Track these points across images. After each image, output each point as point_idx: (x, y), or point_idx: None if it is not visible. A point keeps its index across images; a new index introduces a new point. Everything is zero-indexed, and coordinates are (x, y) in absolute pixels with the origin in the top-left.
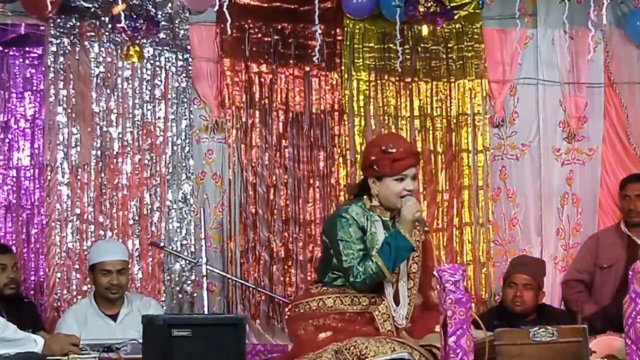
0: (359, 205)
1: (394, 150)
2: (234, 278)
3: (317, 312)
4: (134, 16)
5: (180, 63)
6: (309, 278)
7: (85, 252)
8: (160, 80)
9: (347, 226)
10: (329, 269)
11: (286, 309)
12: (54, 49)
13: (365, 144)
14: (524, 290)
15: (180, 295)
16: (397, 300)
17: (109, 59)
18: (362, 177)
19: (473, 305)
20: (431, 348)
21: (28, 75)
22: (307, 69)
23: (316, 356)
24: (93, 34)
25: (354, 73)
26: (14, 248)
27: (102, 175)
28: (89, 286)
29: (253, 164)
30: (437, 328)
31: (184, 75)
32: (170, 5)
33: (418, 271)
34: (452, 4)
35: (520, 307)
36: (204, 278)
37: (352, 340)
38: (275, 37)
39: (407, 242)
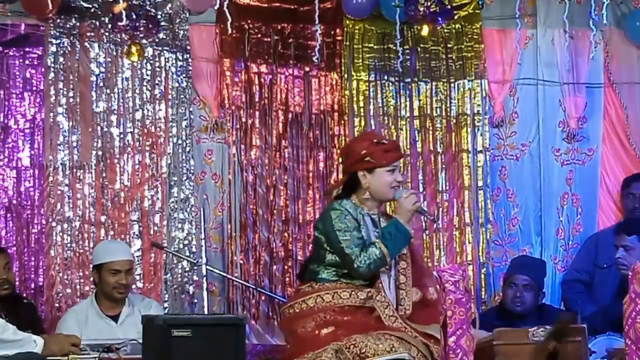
0: (349, 201)
1: (385, 142)
2: (234, 278)
3: (315, 308)
4: (134, 16)
5: (180, 63)
6: None
7: (86, 253)
8: (160, 80)
9: (342, 217)
10: (322, 265)
11: (282, 311)
12: (53, 49)
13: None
14: (524, 291)
15: (180, 296)
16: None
17: (109, 59)
18: (344, 177)
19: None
20: (428, 344)
21: (28, 75)
22: (307, 69)
23: (316, 356)
24: (93, 34)
25: (353, 73)
26: (14, 249)
27: (103, 175)
28: (91, 286)
29: (253, 165)
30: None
31: (184, 75)
32: (170, 5)
33: (408, 267)
34: (451, 4)
35: (521, 308)
36: (204, 278)
37: (351, 339)
38: (275, 37)
39: (407, 230)
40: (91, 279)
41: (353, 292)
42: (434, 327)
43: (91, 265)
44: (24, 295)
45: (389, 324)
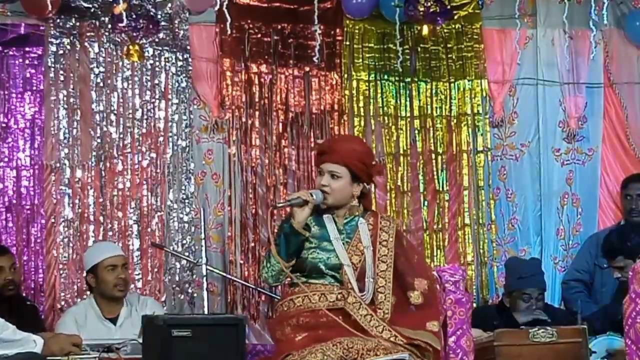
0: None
1: (318, 146)
2: (234, 278)
3: (289, 312)
4: (134, 16)
5: (180, 63)
6: None
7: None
8: (160, 80)
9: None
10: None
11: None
12: (53, 49)
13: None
14: (537, 302)
15: (180, 296)
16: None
17: (109, 59)
18: None
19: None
20: (420, 343)
21: (28, 75)
22: (307, 69)
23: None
24: (93, 34)
25: (353, 73)
26: (14, 249)
27: (102, 175)
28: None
29: (253, 164)
30: (429, 326)
31: (184, 75)
32: (170, 5)
33: (388, 270)
34: (451, 4)
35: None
36: (204, 278)
37: (335, 341)
38: (275, 37)
39: (289, 227)
40: (84, 287)
41: (322, 296)
42: (421, 334)
43: (84, 272)
44: (24, 295)
45: (365, 324)
